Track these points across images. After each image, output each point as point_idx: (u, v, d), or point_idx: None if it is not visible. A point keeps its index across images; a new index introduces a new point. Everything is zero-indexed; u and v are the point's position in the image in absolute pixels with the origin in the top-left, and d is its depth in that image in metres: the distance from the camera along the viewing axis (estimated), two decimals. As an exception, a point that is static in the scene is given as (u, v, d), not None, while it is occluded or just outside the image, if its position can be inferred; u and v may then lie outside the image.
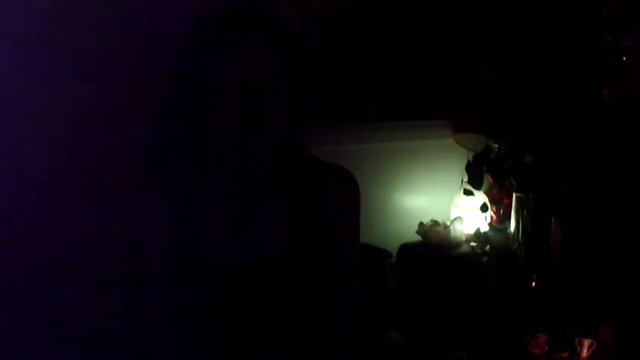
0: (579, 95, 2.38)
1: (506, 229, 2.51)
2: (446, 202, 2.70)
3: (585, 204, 2.34)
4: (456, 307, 2.37)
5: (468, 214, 2.61)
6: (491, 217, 2.62)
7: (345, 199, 1.55)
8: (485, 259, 2.49)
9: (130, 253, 1.50)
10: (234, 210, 1.49)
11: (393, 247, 2.50)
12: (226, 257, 1.48)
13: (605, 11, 2.32)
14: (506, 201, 2.57)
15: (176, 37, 1.47)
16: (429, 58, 2.67)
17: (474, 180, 2.58)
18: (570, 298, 2.26)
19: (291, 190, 1.52)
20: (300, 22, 1.60)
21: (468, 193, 2.60)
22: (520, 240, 2.43)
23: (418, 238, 2.58)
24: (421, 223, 2.58)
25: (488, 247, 2.53)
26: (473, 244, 2.57)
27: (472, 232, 2.59)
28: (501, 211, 2.61)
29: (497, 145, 2.58)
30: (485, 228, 2.60)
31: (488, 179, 2.62)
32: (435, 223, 2.58)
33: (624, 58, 2.29)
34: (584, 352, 2.08)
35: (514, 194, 2.46)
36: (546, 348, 2.12)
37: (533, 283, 2.34)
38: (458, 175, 2.64)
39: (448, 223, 2.57)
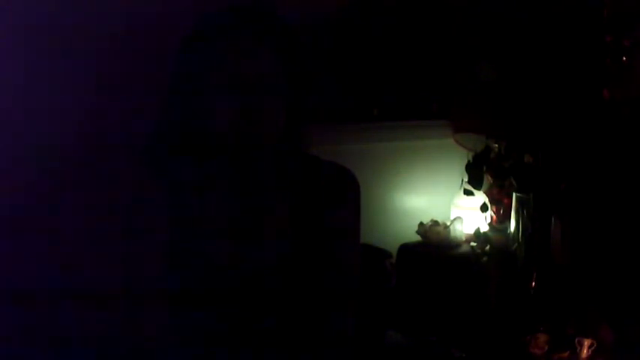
0: (579, 95, 2.38)
1: (506, 229, 2.51)
2: (446, 202, 2.70)
3: (585, 204, 2.34)
4: (456, 307, 2.37)
5: (468, 214, 2.61)
6: (491, 217, 2.62)
7: (345, 199, 1.55)
8: (485, 259, 2.49)
9: (129, 252, 1.50)
10: (234, 210, 1.49)
11: (393, 247, 2.50)
12: (226, 257, 1.48)
13: (605, 11, 2.32)
14: (506, 201, 2.57)
15: (176, 37, 1.47)
16: (429, 58, 2.67)
17: (474, 180, 2.58)
18: (570, 298, 2.26)
19: (291, 190, 1.52)
20: (300, 22, 1.60)
21: (468, 193, 2.60)
22: (520, 240, 2.43)
23: (418, 238, 2.58)
24: (421, 223, 2.58)
25: (488, 247, 2.53)
26: (473, 244, 2.57)
27: (472, 232, 2.59)
28: (501, 211, 2.61)
29: (497, 145, 2.58)
30: (485, 228, 2.60)
31: (488, 179, 2.62)
32: (435, 223, 2.58)
33: (624, 58, 2.28)
34: (584, 352, 2.08)
35: (514, 194, 2.46)
36: (546, 348, 2.12)
37: (533, 283, 2.34)
38: (458, 175, 2.63)
39: (448, 223, 2.57)
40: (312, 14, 2.39)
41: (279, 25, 1.45)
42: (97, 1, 2.03)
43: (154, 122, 1.49)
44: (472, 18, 2.61)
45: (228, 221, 1.49)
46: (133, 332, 1.51)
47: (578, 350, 2.09)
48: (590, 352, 2.08)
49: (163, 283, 1.47)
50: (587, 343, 2.08)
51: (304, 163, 1.54)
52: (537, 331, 2.15)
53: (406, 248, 2.53)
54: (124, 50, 2.06)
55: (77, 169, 2.05)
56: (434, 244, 2.53)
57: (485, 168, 2.59)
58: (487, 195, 2.63)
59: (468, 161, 2.60)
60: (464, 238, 2.58)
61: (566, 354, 2.11)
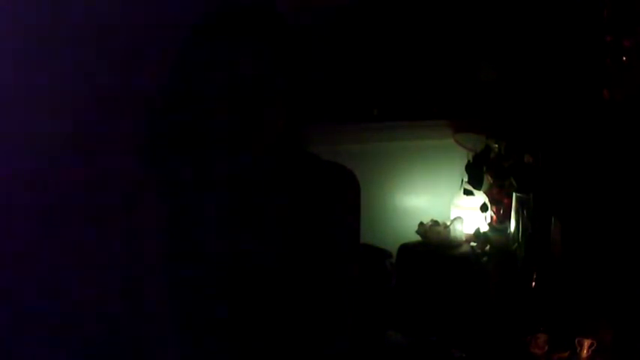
0: (579, 95, 2.38)
1: (506, 229, 2.51)
2: (446, 202, 2.70)
3: (585, 204, 2.34)
4: (456, 307, 2.37)
5: (468, 214, 2.61)
6: (491, 217, 2.62)
7: (345, 199, 1.55)
8: (485, 259, 2.49)
9: (128, 252, 1.50)
10: (234, 210, 1.49)
11: (393, 247, 2.50)
12: (226, 257, 1.48)
13: (605, 11, 2.32)
14: (506, 201, 2.57)
15: (176, 37, 1.47)
16: (429, 58, 2.67)
17: (474, 180, 2.58)
18: (570, 298, 2.26)
19: (291, 190, 1.52)
20: (300, 22, 1.60)
21: (468, 193, 2.60)
22: (520, 240, 2.43)
23: (418, 238, 2.58)
24: (421, 223, 2.58)
25: (488, 247, 2.53)
26: (473, 244, 2.57)
27: (472, 232, 2.59)
28: (501, 211, 2.61)
29: (497, 145, 2.58)
30: (485, 228, 2.60)
31: (488, 179, 2.62)
32: (435, 223, 2.58)
33: (624, 58, 2.29)
34: (584, 352, 2.08)
35: (514, 194, 2.46)
36: (546, 348, 2.12)
37: (533, 283, 2.34)
38: (458, 175, 2.64)
39: (448, 223, 2.57)
40: (312, 14, 2.39)
41: (279, 25, 1.45)
42: (98, 2, 2.03)
43: (154, 122, 1.49)
44: (472, 18, 2.61)
45: (228, 221, 1.49)
46: (132, 330, 1.51)
47: (578, 350, 2.09)
48: (590, 352, 2.08)
49: (163, 281, 1.47)
50: (587, 343, 2.08)
51: (304, 163, 1.54)
52: (537, 331, 2.15)
53: (406, 248, 2.53)
54: (125, 50, 2.06)
55: (76, 168, 2.05)
56: (434, 244, 2.53)
57: (485, 168, 2.59)
58: (487, 195, 2.63)
59: (468, 161, 2.60)
60: (464, 238, 2.58)
61: (566, 354, 2.11)
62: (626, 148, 2.28)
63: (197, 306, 1.47)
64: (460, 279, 2.43)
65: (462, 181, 2.61)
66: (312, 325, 1.53)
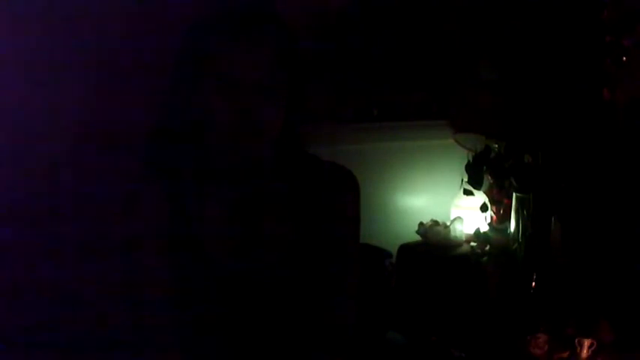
0: (579, 95, 2.38)
1: (506, 229, 2.51)
2: (446, 202, 2.70)
3: (585, 204, 2.34)
4: (456, 307, 2.37)
5: (468, 214, 2.61)
6: (491, 217, 2.62)
7: (345, 199, 1.55)
8: (485, 259, 2.49)
9: (128, 255, 1.50)
10: (234, 210, 1.49)
11: (393, 247, 2.50)
12: (226, 257, 1.48)
13: (605, 11, 2.32)
14: (506, 201, 2.57)
15: (176, 38, 1.47)
16: (429, 57, 2.67)
17: (474, 180, 2.58)
18: (570, 298, 2.26)
19: (291, 190, 1.52)
20: (300, 22, 1.60)
21: (468, 193, 2.60)
22: (520, 240, 2.43)
23: (418, 238, 2.58)
24: (421, 223, 2.58)
25: (488, 247, 2.53)
26: (473, 244, 2.57)
27: (472, 232, 2.59)
28: (501, 211, 2.61)
29: (497, 145, 2.58)
30: (485, 228, 2.60)
31: (488, 179, 2.62)
32: (435, 223, 2.58)
33: (624, 58, 2.29)
34: (584, 352, 2.08)
35: (514, 194, 2.46)
36: (546, 348, 2.12)
37: (533, 283, 2.34)
38: (458, 175, 2.63)
39: (448, 223, 2.57)
40: (312, 14, 2.39)
41: (279, 25, 1.45)
42: (98, 2, 2.03)
43: (155, 121, 1.49)
44: (472, 18, 2.61)
45: (228, 221, 1.49)
46: (133, 330, 1.51)
47: (578, 350, 2.09)
48: (590, 352, 2.08)
49: (163, 280, 1.47)
50: (587, 343, 2.08)
51: (304, 163, 1.54)
52: (537, 331, 2.15)
53: (406, 248, 2.53)
54: (125, 49, 2.06)
55: (77, 166, 2.05)
56: (434, 244, 2.53)
57: (485, 168, 2.59)
58: (487, 195, 2.63)
59: (468, 161, 2.60)
60: (464, 238, 2.58)
61: (566, 354, 2.11)
62: (626, 148, 2.28)
63: (198, 304, 1.47)
64: (460, 279, 2.42)
65: (462, 181, 2.61)
66: (313, 324, 1.53)
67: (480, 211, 2.60)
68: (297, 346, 1.52)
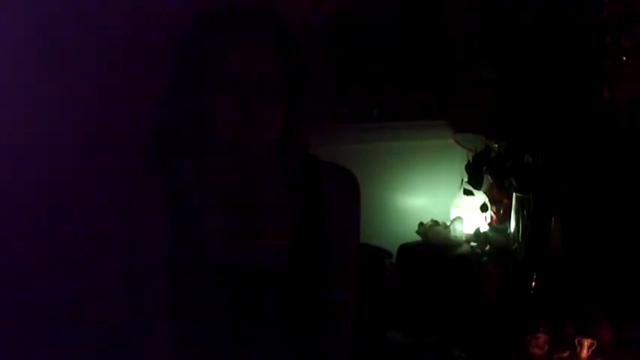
0: (579, 95, 2.38)
1: (506, 229, 2.51)
2: (446, 202, 2.70)
3: (585, 204, 2.34)
4: (456, 307, 2.37)
5: (468, 214, 2.61)
6: (491, 217, 2.62)
7: (345, 199, 1.55)
8: (485, 259, 2.49)
9: (129, 252, 1.50)
10: (234, 210, 1.49)
11: (393, 247, 2.50)
12: (226, 257, 1.48)
13: (605, 11, 2.32)
14: (506, 201, 2.57)
15: (177, 37, 1.47)
16: (429, 57, 2.67)
17: (474, 180, 2.58)
18: (570, 298, 2.26)
19: (291, 190, 1.52)
20: (300, 22, 1.60)
21: (468, 193, 2.60)
22: (520, 240, 2.43)
23: (418, 238, 2.58)
24: (421, 223, 2.58)
25: (488, 247, 2.53)
26: (473, 244, 2.57)
27: (472, 232, 2.59)
28: (501, 211, 2.61)
29: (497, 145, 2.58)
30: (485, 228, 2.60)
31: (488, 179, 2.62)
32: (435, 223, 2.58)
33: (624, 58, 2.29)
34: (584, 352, 2.08)
35: (514, 194, 2.46)
36: (546, 348, 2.12)
37: (533, 283, 2.34)
38: (458, 175, 2.63)
39: (448, 223, 2.57)
40: (312, 14, 2.39)
41: (279, 25, 1.45)
42: (99, 1, 2.03)
43: (155, 121, 1.49)
44: (472, 18, 2.61)
45: (228, 221, 1.49)
46: (132, 331, 1.51)
47: (578, 350, 2.09)
48: (590, 352, 2.08)
49: (163, 281, 1.46)
50: (587, 343, 2.08)
51: (304, 163, 1.54)
52: (537, 331, 2.15)
53: (406, 248, 2.53)
54: (126, 49, 2.06)
55: (78, 168, 2.05)
56: (434, 244, 2.53)
57: (485, 168, 2.59)
58: (487, 195, 2.63)
59: (468, 161, 2.60)
60: (464, 238, 2.58)
61: (566, 354, 2.11)
62: (626, 147, 2.28)
63: (197, 304, 1.47)
64: (460, 279, 2.42)
65: (462, 181, 2.61)
66: (314, 325, 1.53)
67: (480, 211, 2.60)
68: (298, 349, 1.52)
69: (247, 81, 1.38)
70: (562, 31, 2.40)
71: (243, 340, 1.49)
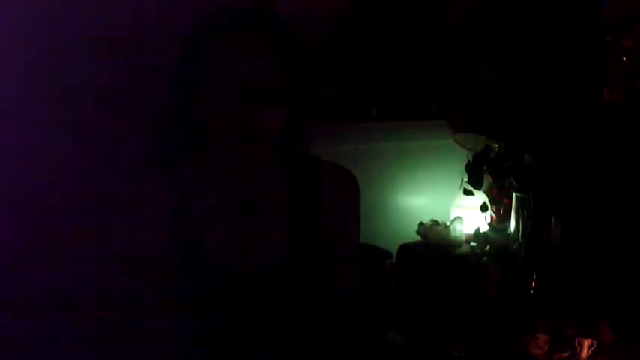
0: (579, 95, 2.38)
1: (506, 229, 2.51)
2: (446, 202, 2.70)
3: (585, 204, 2.34)
4: (456, 307, 2.37)
5: (468, 214, 2.61)
6: (491, 217, 2.62)
7: (345, 199, 1.55)
8: (485, 259, 2.49)
9: (129, 254, 1.50)
10: (234, 210, 1.49)
11: (393, 247, 2.50)
12: (226, 257, 1.48)
13: (605, 11, 2.32)
14: (506, 201, 2.57)
15: (177, 37, 1.47)
16: (429, 57, 2.67)
17: (474, 180, 2.58)
18: (570, 298, 2.26)
19: (291, 190, 1.52)
20: (300, 22, 1.60)
21: (468, 193, 2.60)
22: (520, 240, 2.43)
23: (418, 238, 2.58)
24: (421, 223, 2.58)
25: (488, 247, 2.53)
26: (473, 244, 2.57)
27: (472, 232, 2.59)
28: (501, 211, 2.61)
29: (497, 145, 2.58)
30: (485, 228, 2.60)
31: (488, 179, 2.62)
32: (435, 223, 2.58)
33: (624, 58, 2.29)
34: (584, 352, 2.08)
35: (514, 194, 2.46)
36: (546, 348, 2.12)
37: (533, 283, 2.34)
38: (458, 175, 2.64)
39: (448, 223, 2.57)
40: (312, 14, 2.39)
41: (280, 25, 1.45)
42: (98, 3, 2.03)
43: (155, 121, 1.49)
44: (472, 17, 2.61)
45: (228, 221, 1.49)
46: (132, 331, 1.51)
47: (578, 350, 2.09)
48: (590, 352, 2.08)
49: (163, 282, 1.47)
50: (587, 343, 2.08)
51: (304, 163, 1.54)
52: (537, 331, 2.15)
53: (406, 248, 2.53)
54: (125, 50, 2.06)
55: (78, 168, 2.05)
56: (434, 244, 2.53)
57: (485, 168, 2.59)
58: (487, 195, 2.63)
59: (468, 161, 2.60)
60: (464, 238, 2.58)
61: (566, 354, 2.11)
62: (626, 148, 2.28)
63: (197, 305, 1.47)
64: (460, 279, 2.42)
65: (462, 181, 2.61)
66: (314, 325, 1.53)
67: (480, 211, 2.60)
68: (296, 352, 1.52)
69: (247, 81, 1.38)
70: (562, 31, 2.40)
71: (243, 341, 1.49)
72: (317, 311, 1.53)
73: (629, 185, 2.26)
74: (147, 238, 1.47)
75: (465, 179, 2.60)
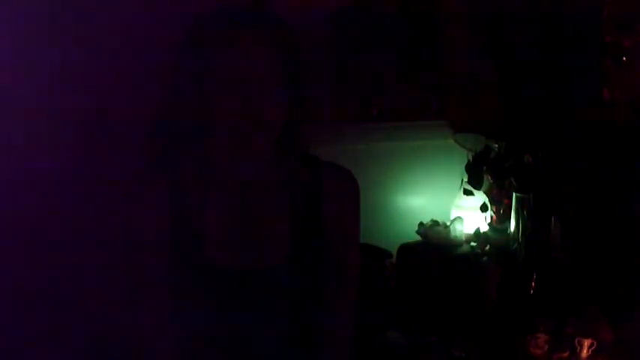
0: (579, 95, 2.38)
1: (506, 229, 2.51)
2: (446, 202, 2.70)
3: (585, 204, 2.34)
4: (456, 307, 2.37)
5: (468, 214, 2.61)
6: (491, 217, 2.62)
7: (345, 199, 1.55)
8: (485, 259, 2.49)
9: (129, 253, 1.50)
10: (234, 210, 1.49)
11: (393, 247, 2.50)
12: (226, 257, 1.48)
13: (605, 11, 2.32)
14: (506, 201, 2.57)
15: (177, 36, 1.47)
16: (429, 57, 2.67)
17: (474, 180, 2.58)
18: (570, 298, 2.26)
19: (290, 190, 1.52)
20: (300, 22, 1.60)
21: (468, 193, 2.60)
22: (520, 240, 2.43)
23: (418, 238, 2.58)
24: (421, 223, 2.58)
25: (488, 247, 2.53)
26: (473, 244, 2.57)
27: (472, 232, 2.59)
28: (501, 211, 2.61)
29: (497, 145, 2.58)
30: (485, 228, 2.60)
31: (488, 179, 2.62)
32: (435, 223, 2.58)
33: (624, 58, 2.29)
34: (584, 352, 2.08)
35: (514, 194, 2.46)
36: (546, 348, 2.12)
37: (533, 283, 2.34)
38: (458, 175, 2.63)
39: (448, 223, 2.57)
40: (312, 14, 2.39)
41: (279, 25, 1.45)
42: (98, 1, 2.03)
43: (155, 120, 1.49)
44: (472, 17, 2.61)
45: (228, 221, 1.49)
46: (132, 331, 1.51)
47: (578, 350, 2.09)
48: (590, 352, 2.08)
49: (163, 280, 1.47)
50: (587, 343, 2.08)
51: (304, 163, 1.54)
52: (537, 331, 2.15)
53: (406, 248, 2.52)
54: (126, 49, 2.06)
55: (78, 167, 2.05)
56: (434, 244, 2.53)
57: (485, 168, 2.59)
58: (487, 195, 2.63)
59: (468, 161, 2.60)
60: (464, 238, 2.58)
61: (566, 354, 2.11)
62: (626, 148, 2.28)
63: (197, 304, 1.47)
64: (460, 279, 2.42)
65: (462, 181, 2.61)
66: (314, 325, 1.53)
67: (480, 211, 2.60)
68: (296, 352, 1.52)
69: (247, 81, 1.38)
70: (562, 31, 2.40)
71: (243, 341, 1.49)
72: (317, 311, 1.53)
73: (628, 185, 2.26)
74: (147, 237, 1.47)
75: (465, 179, 2.60)
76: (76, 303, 2.03)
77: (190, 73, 1.42)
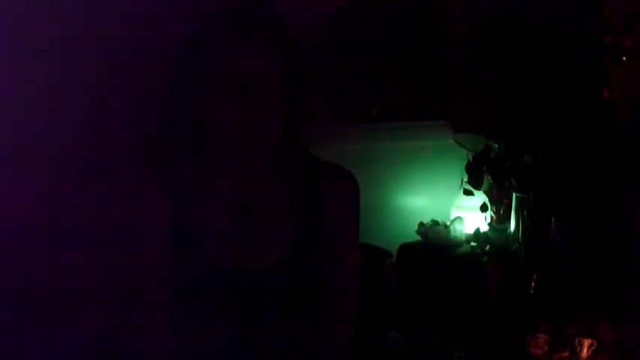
0: (579, 95, 2.38)
1: (506, 229, 2.51)
2: (446, 202, 2.70)
3: (585, 204, 2.34)
4: (456, 307, 2.37)
5: (468, 214, 2.61)
6: (491, 217, 2.62)
7: (344, 199, 1.55)
8: (485, 259, 2.49)
9: (129, 253, 1.50)
10: (234, 210, 1.50)
11: (393, 247, 2.50)
12: (226, 257, 1.48)
13: (605, 11, 2.32)
14: (506, 201, 2.57)
15: (177, 37, 1.47)
16: (429, 57, 2.67)
17: (474, 180, 2.58)
18: (570, 298, 2.26)
19: (290, 190, 1.52)
20: (300, 22, 1.60)
21: (468, 193, 2.60)
22: (520, 240, 2.43)
23: (418, 238, 2.58)
24: (421, 223, 2.58)
25: (488, 247, 2.53)
26: (473, 244, 2.57)
27: (472, 232, 2.59)
28: (501, 211, 2.60)
29: (497, 145, 2.58)
30: (485, 228, 2.60)
31: (488, 179, 2.62)
32: (435, 223, 2.58)
33: (624, 58, 2.28)
34: (584, 352, 2.08)
35: (514, 194, 2.46)
36: (546, 348, 2.12)
37: (533, 283, 2.34)
38: (458, 175, 2.63)
39: (448, 223, 2.57)
40: (312, 14, 2.39)
41: (279, 25, 1.45)
42: (98, 2, 2.03)
43: (155, 122, 1.49)
44: (472, 17, 2.61)
45: (228, 221, 1.49)
46: (132, 332, 1.51)
47: (578, 350, 2.09)
48: (590, 352, 2.08)
49: (163, 280, 1.47)
50: (587, 343, 2.08)
51: (304, 163, 1.54)
52: (537, 331, 2.15)
53: (406, 248, 2.53)
54: (125, 50, 2.06)
55: (77, 168, 2.05)
56: (434, 244, 2.53)
57: (485, 168, 2.58)
58: (487, 195, 2.63)
59: (468, 161, 2.60)
60: (464, 238, 2.58)
61: (566, 354, 2.11)
62: (626, 148, 2.28)
63: (197, 305, 1.47)
64: (460, 279, 2.42)
65: (462, 181, 2.61)
66: (314, 325, 1.53)
67: (480, 211, 2.60)
68: (295, 353, 1.52)
69: (247, 81, 1.38)
70: (562, 31, 2.40)
71: (243, 341, 1.49)
72: (317, 311, 1.53)
73: (628, 185, 2.26)
74: (147, 238, 1.47)
75: (465, 179, 2.60)
76: (76, 303, 2.03)
77: (191, 73, 1.42)
